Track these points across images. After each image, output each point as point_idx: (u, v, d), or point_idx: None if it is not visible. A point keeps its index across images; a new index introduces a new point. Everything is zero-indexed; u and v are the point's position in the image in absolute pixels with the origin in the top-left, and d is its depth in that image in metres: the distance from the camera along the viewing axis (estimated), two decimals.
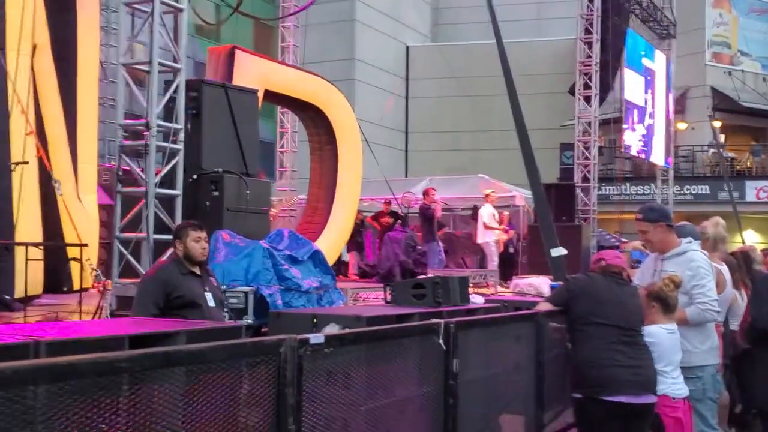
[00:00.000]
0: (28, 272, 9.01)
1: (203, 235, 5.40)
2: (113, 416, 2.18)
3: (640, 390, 4.71)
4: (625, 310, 4.85)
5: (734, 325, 6.69)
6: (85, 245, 9.32)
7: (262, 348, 2.67)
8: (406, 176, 29.12)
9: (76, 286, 10.44)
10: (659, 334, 4.90)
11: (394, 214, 17.42)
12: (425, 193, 15.63)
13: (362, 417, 3.44)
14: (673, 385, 4.94)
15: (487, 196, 16.49)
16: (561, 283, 5.87)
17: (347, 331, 3.47)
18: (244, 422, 2.64)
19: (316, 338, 2.81)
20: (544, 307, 5.24)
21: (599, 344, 4.76)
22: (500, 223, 16.41)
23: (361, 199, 18.01)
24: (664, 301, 4.98)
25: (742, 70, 31.68)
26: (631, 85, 22.31)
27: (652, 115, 24.01)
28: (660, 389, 4.91)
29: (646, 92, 23.45)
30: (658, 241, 5.46)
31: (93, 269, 8.98)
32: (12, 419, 1.90)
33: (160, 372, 2.29)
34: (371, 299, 10.66)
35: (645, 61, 23.40)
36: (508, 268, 16.49)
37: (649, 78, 23.73)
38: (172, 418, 2.38)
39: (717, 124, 28.15)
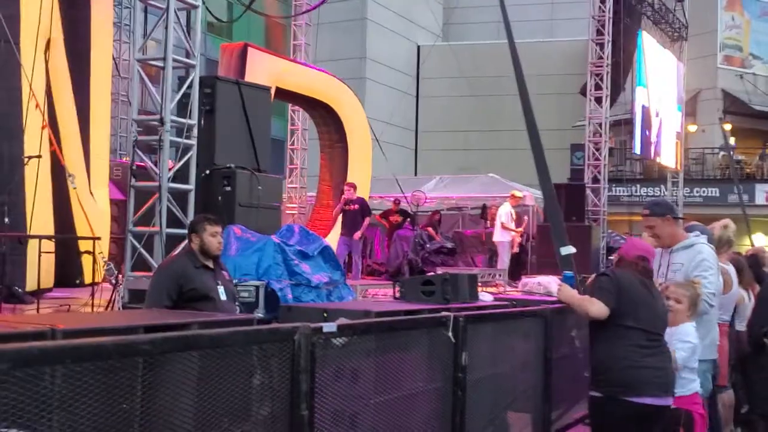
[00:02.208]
0: (41, 265, 9.09)
1: (219, 229, 5.48)
2: (133, 397, 2.24)
3: (662, 392, 4.68)
4: (654, 314, 4.74)
5: (741, 326, 6.72)
6: (98, 238, 9.41)
7: (278, 334, 2.73)
8: (416, 175, 29.14)
9: (88, 279, 10.52)
10: (693, 333, 4.96)
11: (403, 213, 17.44)
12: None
13: (371, 407, 3.50)
14: (697, 381, 5.02)
15: (511, 195, 16.45)
16: (572, 273, 5.58)
17: (358, 321, 3.53)
18: (259, 406, 2.70)
19: (328, 327, 2.87)
20: (597, 308, 4.68)
21: (624, 345, 4.65)
22: (517, 224, 16.39)
23: (370, 197, 18.05)
24: (695, 306, 5.02)
25: (754, 74, 31.60)
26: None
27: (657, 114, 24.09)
28: (692, 387, 4.97)
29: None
30: (667, 235, 5.45)
31: (105, 262, 9.06)
32: (36, 397, 1.96)
33: (180, 355, 2.35)
34: (380, 296, 10.72)
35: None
36: (517, 267, 16.51)
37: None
38: (190, 400, 2.44)
39: (727, 126, 28.08)
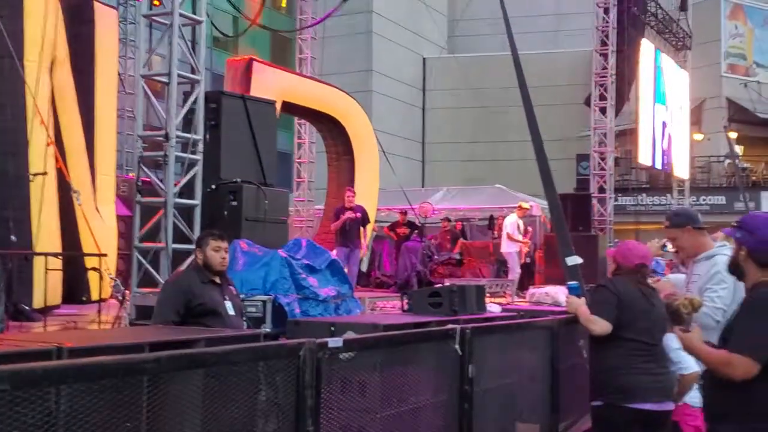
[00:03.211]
0: (47, 282, 9.09)
1: (223, 245, 5.43)
2: (139, 415, 2.23)
3: (662, 397, 4.66)
4: (653, 325, 4.70)
5: None
6: (105, 255, 9.41)
7: (283, 351, 2.72)
8: (423, 186, 29.16)
9: (95, 296, 10.52)
10: (675, 342, 4.87)
11: (411, 225, 17.42)
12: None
13: (378, 421, 3.48)
14: (694, 392, 4.92)
15: (518, 207, 16.40)
16: (578, 283, 5.51)
17: (365, 336, 3.52)
18: (265, 422, 2.69)
19: (334, 342, 2.85)
20: (600, 327, 4.67)
21: (623, 353, 4.64)
22: (524, 235, 16.35)
23: (378, 210, 18.06)
24: (677, 319, 4.91)
25: (758, 81, 31.60)
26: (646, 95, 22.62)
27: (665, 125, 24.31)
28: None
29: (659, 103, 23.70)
30: (689, 245, 5.25)
31: (112, 279, 9.06)
32: (42, 417, 1.95)
33: (185, 373, 2.34)
34: (388, 308, 10.70)
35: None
36: (525, 277, 16.47)
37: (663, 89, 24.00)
38: (195, 418, 2.43)
39: (733, 135, 28.06)
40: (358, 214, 13.74)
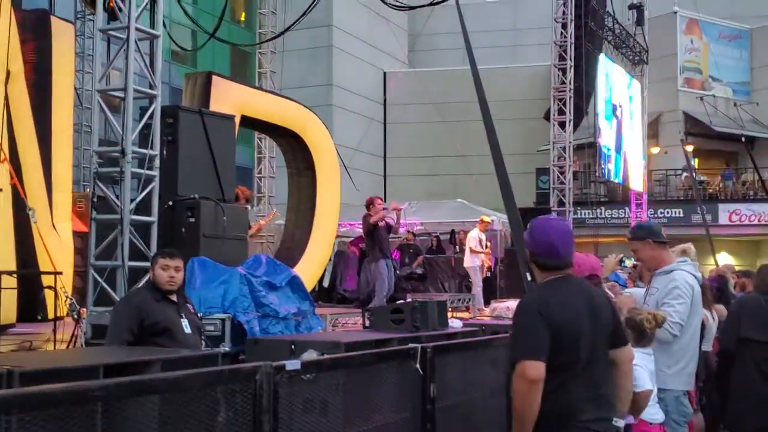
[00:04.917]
0: (2, 301, 8.90)
1: (173, 263, 5.31)
2: None
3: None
4: None
5: (706, 346, 6.73)
6: (60, 273, 9.22)
7: (238, 375, 2.65)
8: (386, 201, 29.11)
9: (51, 314, 10.32)
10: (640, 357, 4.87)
11: None
12: (369, 202, 13.70)
13: None
14: (650, 408, 4.90)
15: (480, 220, 16.47)
16: None
17: (324, 357, 3.46)
18: None
19: (292, 365, 2.80)
20: None
21: None
22: (486, 248, 16.43)
23: (339, 224, 17.99)
24: (640, 333, 4.90)
25: (714, 95, 32.13)
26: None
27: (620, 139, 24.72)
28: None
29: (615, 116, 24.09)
30: (648, 258, 5.37)
31: (67, 297, 8.87)
32: None
33: (135, 400, 2.27)
34: (350, 325, 10.65)
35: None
36: (487, 292, 16.52)
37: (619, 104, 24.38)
38: None
39: (689, 148, 28.49)
40: (391, 220, 13.61)
